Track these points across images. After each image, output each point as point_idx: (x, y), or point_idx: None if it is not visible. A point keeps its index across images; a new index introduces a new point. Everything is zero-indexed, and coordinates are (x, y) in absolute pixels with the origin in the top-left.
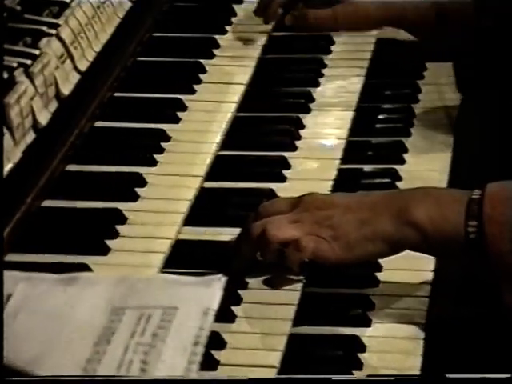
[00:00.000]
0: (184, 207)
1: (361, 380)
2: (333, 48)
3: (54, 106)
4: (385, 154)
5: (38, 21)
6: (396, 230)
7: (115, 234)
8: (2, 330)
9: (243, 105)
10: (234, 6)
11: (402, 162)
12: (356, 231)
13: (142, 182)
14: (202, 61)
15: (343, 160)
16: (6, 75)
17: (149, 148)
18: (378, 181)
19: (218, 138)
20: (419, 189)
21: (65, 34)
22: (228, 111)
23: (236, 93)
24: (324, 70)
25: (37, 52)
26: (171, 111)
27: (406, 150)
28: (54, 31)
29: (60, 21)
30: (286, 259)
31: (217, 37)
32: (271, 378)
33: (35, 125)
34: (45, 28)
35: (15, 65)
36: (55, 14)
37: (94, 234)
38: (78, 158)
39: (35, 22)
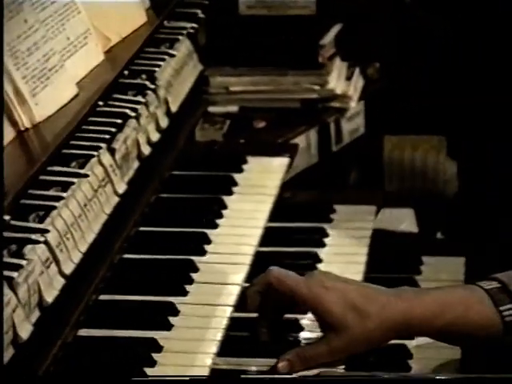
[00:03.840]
0: None
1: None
2: (327, 241)
3: (35, 316)
4: None
5: (24, 227)
6: None
7: None
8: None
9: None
10: (224, 198)
11: None
12: None
13: None
14: (193, 258)
15: None
16: None
17: (140, 359)
18: None
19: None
20: None
21: (51, 236)
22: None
23: (231, 294)
24: (320, 265)
25: (23, 262)
26: (162, 316)
27: None
28: (41, 238)
29: (46, 225)
30: None
31: (207, 231)
32: None
33: (15, 339)
34: (32, 236)
35: None
36: (41, 217)
37: None
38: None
39: (21, 228)
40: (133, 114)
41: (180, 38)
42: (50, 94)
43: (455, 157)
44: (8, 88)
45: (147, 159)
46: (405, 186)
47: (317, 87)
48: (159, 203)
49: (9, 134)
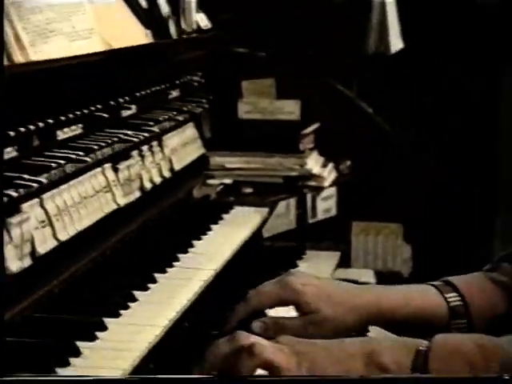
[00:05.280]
0: None
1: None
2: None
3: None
4: None
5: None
6: (365, 370)
7: None
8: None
9: None
10: (211, 226)
11: None
12: (331, 367)
13: None
14: (179, 255)
15: None
16: None
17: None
18: None
19: None
20: (387, 339)
21: (49, 206)
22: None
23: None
24: None
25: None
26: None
27: None
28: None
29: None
30: None
31: (194, 242)
32: None
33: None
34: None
35: None
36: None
37: None
38: None
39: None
40: (136, 140)
41: (185, 109)
42: (48, 49)
43: (410, 241)
44: (10, 33)
45: (149, 194)
46: (369, 266)
47: (297, 167)
48: (153, 223)
49: None
